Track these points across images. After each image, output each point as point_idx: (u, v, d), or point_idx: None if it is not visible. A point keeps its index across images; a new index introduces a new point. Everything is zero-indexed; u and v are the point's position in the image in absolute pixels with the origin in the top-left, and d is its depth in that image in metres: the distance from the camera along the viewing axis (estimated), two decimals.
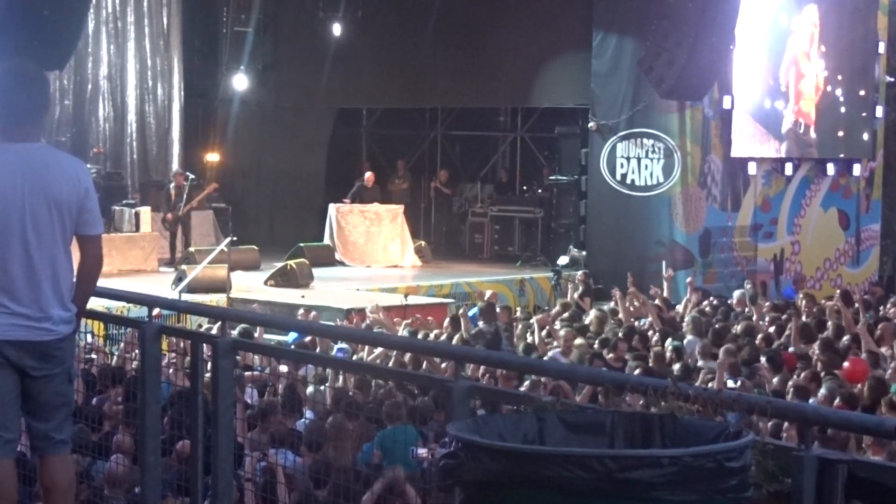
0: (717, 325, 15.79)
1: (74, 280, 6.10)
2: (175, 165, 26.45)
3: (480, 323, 16.46)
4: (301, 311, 17.66)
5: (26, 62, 6.50)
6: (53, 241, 5.94)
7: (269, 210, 28.87)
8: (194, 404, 6.55)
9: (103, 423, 9.28)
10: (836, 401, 10.91)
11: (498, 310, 17.67)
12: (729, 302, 18.93)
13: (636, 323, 16.78)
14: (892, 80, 29.30)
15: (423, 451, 7.44)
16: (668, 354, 14.08)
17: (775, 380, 12.43)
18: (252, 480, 7.57)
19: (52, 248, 5.94)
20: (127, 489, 8.07)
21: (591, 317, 16.90)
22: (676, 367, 13.26)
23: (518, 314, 18.31)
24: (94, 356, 11.15)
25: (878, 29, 27.54)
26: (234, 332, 12.31)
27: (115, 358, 12.07)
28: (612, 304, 18.40)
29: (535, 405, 4.15)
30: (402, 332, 15.56)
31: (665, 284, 20.40)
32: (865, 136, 27.46)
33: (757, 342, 14.66)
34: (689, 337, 15.34)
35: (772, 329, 15.73)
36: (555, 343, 15.08)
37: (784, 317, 16.49)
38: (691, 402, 4.05)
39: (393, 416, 9.77)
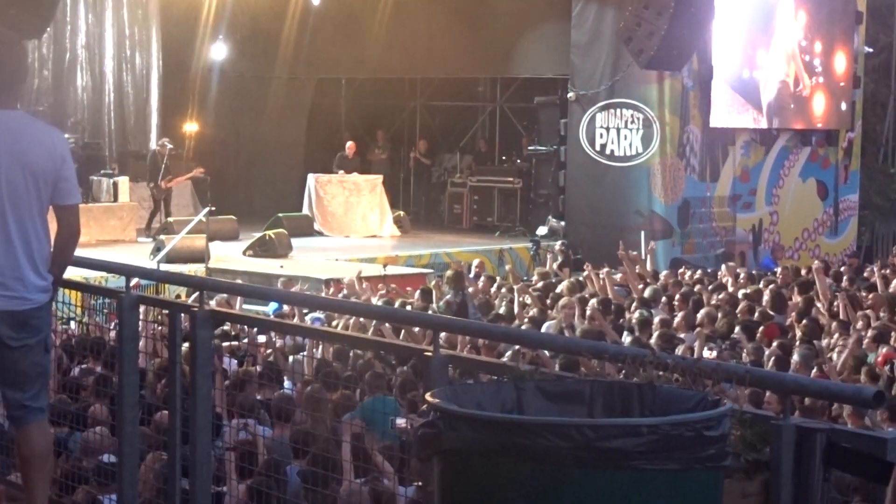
0: (679, 295, 15.72)
1: (51, 250, 6.06)
2: (153, 135, 26.39)
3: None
4: (285, 281, 17.47)
5: (3, 31, 6.46)
6: (29, 210, 5.89)
7: (247, 180, 28.79)
8: (172, 375, 6.53)
9: (80, 393, 9.25)
10: (814, 371, 10.96)
11: (481, 282, 17.64)
12: (716, 272, 18.92)
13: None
14: (871, 50, 29.32)
15: (401, 422, 7.43)
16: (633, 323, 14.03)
17: (750, 345, 12.46)
18: (233, 450, 7.56)
19: (29, 217, 5.89)
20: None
21: (562, 286, 16.80)
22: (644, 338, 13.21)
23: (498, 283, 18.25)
24: (71, 325, 11.10)
25: None
26: (213, 302, 12.27)
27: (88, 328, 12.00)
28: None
29: (513, 374, 4.13)
30: (377, 303, 15.45)
31: (648, 257, 20.39)
32: (844, 107, 27.49)
33: (737, 311, 14.67)
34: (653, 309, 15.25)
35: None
36: (531, 312, 14.97)
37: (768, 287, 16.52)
38: (670, 371, 4.05)
39: (372, 387, 9.76)
